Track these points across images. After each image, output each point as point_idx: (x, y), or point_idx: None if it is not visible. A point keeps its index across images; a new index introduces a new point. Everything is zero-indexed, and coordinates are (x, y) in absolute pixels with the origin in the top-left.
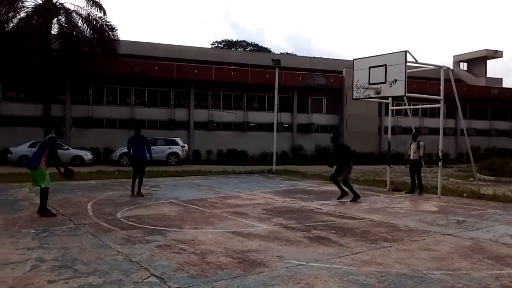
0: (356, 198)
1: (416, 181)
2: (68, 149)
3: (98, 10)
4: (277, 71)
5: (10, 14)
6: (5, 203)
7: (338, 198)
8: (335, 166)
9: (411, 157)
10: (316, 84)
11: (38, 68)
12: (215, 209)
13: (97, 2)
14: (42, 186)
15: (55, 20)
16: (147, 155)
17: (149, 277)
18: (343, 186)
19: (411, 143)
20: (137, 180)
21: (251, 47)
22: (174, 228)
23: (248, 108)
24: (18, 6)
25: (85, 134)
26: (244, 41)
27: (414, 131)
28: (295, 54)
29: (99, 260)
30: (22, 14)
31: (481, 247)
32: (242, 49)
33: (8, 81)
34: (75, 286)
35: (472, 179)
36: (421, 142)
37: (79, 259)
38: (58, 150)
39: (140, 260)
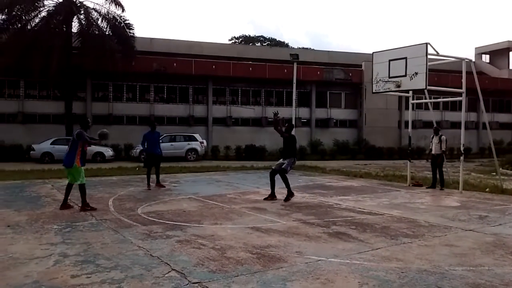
0: (289, 196)
1: (438, 176)
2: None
3: (117, 7)
4: (295, 65)
5: (32, 14)
6: (28, 199)
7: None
8: (280, 160)
9: (433, 152)
10: (335, 78)
11: (59, 66)
12: (234, 204)
13: None
14: (79, 183)
15: (75, 18)
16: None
17: (170, 272)
18: (283, 180)
19: (433, 137)
20: (151, 174)
21: (269, 42)
22: (194, 224)
23: (266, 103)
24: (40, 5)
25: None
26: (262, 36)
27: (435, 125)
28: (313, 49)
29: (120, 255)
30: (43, 13)
31: (504, 242)
32: (260, 44)
33: (30, 80)
34: (98, 281)
35: (494, 173)
36: (443, 136)
37: (101, 254)
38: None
39: (161, 255)
